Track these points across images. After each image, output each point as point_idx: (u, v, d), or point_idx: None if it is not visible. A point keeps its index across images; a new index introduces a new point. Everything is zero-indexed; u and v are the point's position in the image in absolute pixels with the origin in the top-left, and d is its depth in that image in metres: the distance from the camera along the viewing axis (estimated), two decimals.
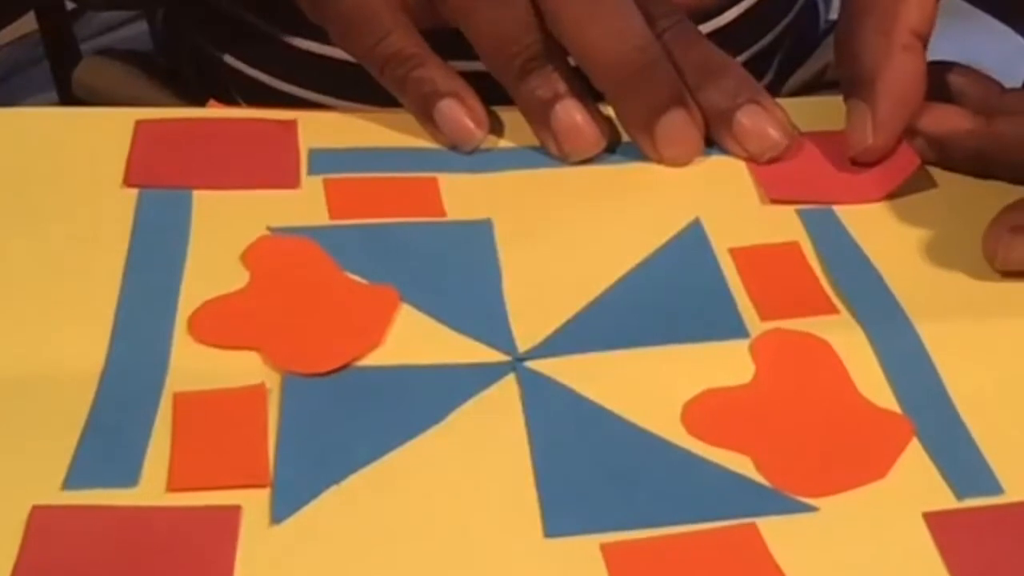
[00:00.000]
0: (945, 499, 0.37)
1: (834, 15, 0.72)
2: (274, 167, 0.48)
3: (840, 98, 0.49)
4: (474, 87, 0.49)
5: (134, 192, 0.46)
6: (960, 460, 0.38)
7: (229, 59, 0.60)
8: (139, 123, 0.50)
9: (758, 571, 0.35)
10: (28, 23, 0.80)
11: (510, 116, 0.50)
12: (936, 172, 0.49)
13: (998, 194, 0.48)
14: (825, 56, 0.68)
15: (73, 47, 0.74)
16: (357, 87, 0.51)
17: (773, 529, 0.36)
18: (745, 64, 0.51)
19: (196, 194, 0.47)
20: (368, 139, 0.49)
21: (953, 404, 0.40)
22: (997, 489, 0.37)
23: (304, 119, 0.50)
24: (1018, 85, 0.77)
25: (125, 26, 0.70)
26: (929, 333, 0.42)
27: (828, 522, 0.36)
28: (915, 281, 0.44)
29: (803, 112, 0.51)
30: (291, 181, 0.48)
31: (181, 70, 0.65)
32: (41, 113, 0.52)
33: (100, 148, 0.48)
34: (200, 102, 0.54)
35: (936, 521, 0.36)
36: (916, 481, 0.38)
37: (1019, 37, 0.78)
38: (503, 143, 0.50)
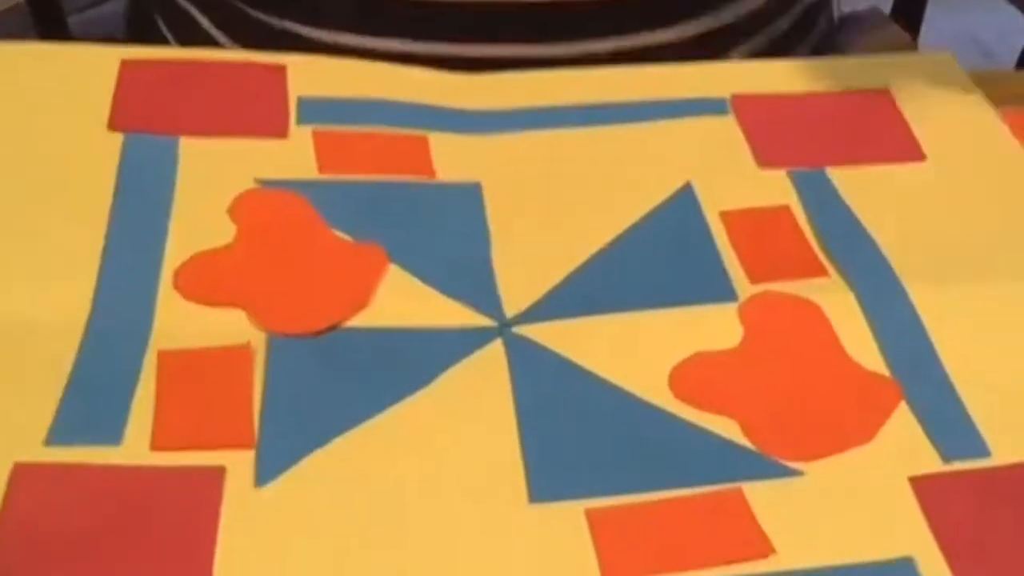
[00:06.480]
0: (932, 462, 0.37)
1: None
2: (263, 115, 0.47)
3: (835, 60, 0.49)
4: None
5: (119, 136, 0.45)
6: (947, 423, 0.38)
7: (205, 24, 0.59)
8: (124, 63, 0.48)
9: (743, 536, 0.35)
10: None
11: (501, 79, 0.50)
12: (927, 141, 0.49)
13: (990, 161, 0.48)
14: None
15: (60, 19, 0.74)
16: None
17: (759, 493, 0.36)
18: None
19: (183, 142, 0.46)
20: (358, 89, 0.48)
21: (943, 367, 0.40)
22: (984, 452, 0.37)
23: (294, 64, 0.49)
24: (1015, 58, 0.77)
25: (110, 0, 0.70)
26: (920, 296, 0.42)
27: (813, 486, 0.36)
28: (906, 244, 0.44)
29: (797, 74, 0.51)
30: (280, 130, 0.47)
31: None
32: (23, 49, 0.50)
33: (84, 87, 0.47)
34: None
35: (921, 485, 0.36)
36: (903, 444, 0.37)
37: (1016, 12, 0.77)
38: (494, 105, 0.49)
